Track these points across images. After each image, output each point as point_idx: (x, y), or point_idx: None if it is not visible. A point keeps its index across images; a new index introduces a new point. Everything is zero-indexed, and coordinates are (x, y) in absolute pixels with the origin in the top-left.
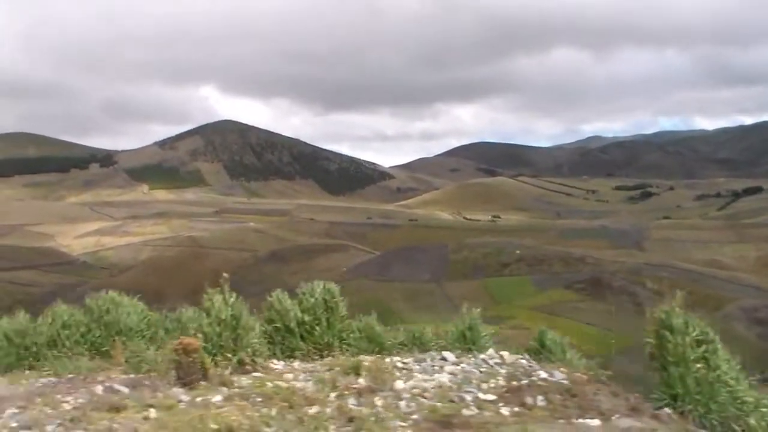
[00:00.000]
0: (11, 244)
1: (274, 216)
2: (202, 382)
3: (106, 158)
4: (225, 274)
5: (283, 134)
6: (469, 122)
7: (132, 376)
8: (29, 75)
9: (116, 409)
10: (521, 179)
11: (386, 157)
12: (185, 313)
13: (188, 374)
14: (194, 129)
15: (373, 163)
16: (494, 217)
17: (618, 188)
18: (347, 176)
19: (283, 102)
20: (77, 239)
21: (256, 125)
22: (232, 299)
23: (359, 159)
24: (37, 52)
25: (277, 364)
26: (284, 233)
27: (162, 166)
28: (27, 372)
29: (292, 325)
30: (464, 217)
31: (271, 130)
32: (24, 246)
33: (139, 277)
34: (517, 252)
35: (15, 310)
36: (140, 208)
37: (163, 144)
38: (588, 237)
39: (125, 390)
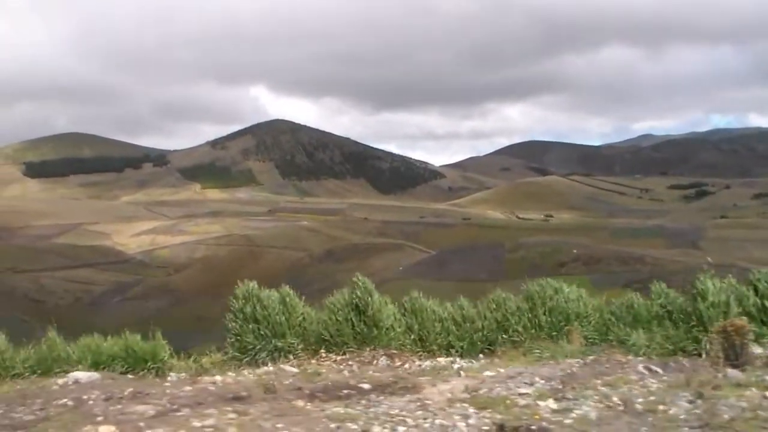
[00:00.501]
0: (69, 242)
1: (327, 215)
2: (747, 365)
3: (159, 158)
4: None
5: (334, 133)
6: (518, 121)
7: (637, 357)
8: (82, 77)
9: (740, 386)
10: (573, 178)
11: (435, 156)
12: (637, 299)
13: (739, 356)
14: (245, 129)
15: (425, 162)
16: (547, 216)
17: (672, 187)
18: (398, 175)
19: (332, 101)
20: (133, 238)
21: (306, 124)
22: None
23: (410, 158)
24: (89, 55)
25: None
26: (338, 232)
27: (214, 166)
28: (497, 360)
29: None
30: (517, 216)
31: (322, 129)
32: (81, 245)
33: (196, 275)
34: (574, 251)
35: (76, 307)
36: (194, 207)
37: (215, 144)
38: (643, 236)
39: (659, 370)
